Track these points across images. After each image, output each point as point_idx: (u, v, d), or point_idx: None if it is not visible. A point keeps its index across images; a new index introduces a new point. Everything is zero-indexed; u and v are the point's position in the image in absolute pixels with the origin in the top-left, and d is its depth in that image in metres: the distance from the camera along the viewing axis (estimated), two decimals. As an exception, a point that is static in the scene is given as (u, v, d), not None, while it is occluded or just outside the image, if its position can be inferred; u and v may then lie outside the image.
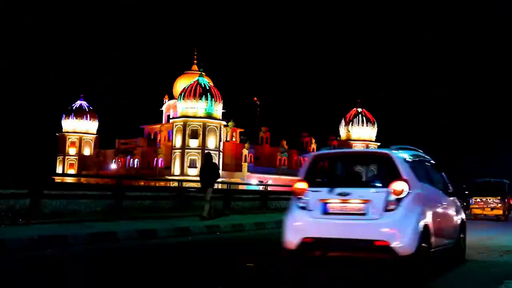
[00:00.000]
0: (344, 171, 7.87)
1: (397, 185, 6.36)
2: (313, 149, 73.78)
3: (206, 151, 16.48)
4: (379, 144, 77.25)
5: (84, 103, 76.01)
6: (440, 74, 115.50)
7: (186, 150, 59.86)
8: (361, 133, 76.27)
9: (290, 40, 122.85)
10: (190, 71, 73.05)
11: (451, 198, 8.44)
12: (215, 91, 61.60)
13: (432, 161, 8.37)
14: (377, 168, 8.05)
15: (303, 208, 6.65)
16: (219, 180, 63.13)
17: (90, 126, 75.55)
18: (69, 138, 74.27)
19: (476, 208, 22.30)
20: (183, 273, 7.63)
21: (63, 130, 74.92)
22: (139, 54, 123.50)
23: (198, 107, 60.23)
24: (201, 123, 60.02)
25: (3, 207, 11.92)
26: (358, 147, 76.21)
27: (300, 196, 6.73)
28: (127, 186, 17.95)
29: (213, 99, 60.66)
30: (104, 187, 17.26)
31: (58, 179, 56.51)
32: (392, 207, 6.25)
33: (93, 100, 79.09)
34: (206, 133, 59.92)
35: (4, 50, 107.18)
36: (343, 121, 77.85)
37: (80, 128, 74.78)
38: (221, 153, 61.65)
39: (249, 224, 14.50)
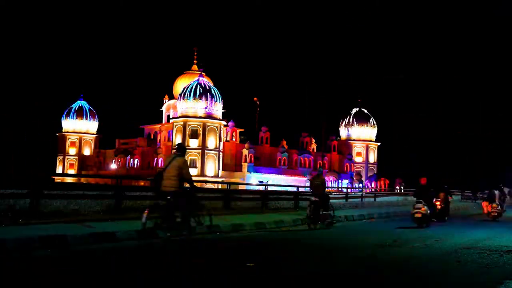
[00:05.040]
0: None
1: None
2: (313, 149, 73.78)
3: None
4: (379, 144, 77.23)
5: (84, 103, 76.00)
6: (440, 74, 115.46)
7: (186, 150, 59.86)
8: (361, 133, 76.25)
9: (289, 40, 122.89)
10: (190, 71, 73.05)
11: None
12: (215, 91, 61.64)
13: None
14: None
15: None
16: (219, 180, 63.14)
17: (90, 126, 75.54)
18: (69, 138, 74.26)
19: None
20: (183, 272, 7.64)
21: (63, 130, 74.91)
22: (139, 54, 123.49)
23: (198, 107, 60.25)
24: (201, 123, 60.05)
25: (3, 207, 11.91)
26: (358, 147, 76.21)
27: None
28: (127, 186, 17.87)
29: (213, 99, 60.68)
30: (104, 187, 17.20)
31: (58, 179, 56.48)
32: None
33: (93, 100, 79.14)
34: (206, 133, 59.95)
35: (4, 50, 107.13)
36: (343, 121, 77.83)
37: (80, 128, 74.77)
38: (221, 153, 61.67)
39: (249, 224, 14.49)
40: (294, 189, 28.09)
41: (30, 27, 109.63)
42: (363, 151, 76.12)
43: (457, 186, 52.27)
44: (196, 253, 9.74)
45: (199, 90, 60.57)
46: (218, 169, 60.44)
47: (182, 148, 10.82)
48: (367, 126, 76.42)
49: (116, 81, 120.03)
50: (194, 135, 60.09)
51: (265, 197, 21.45)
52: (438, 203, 19.94)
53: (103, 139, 76.50)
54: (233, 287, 6.80)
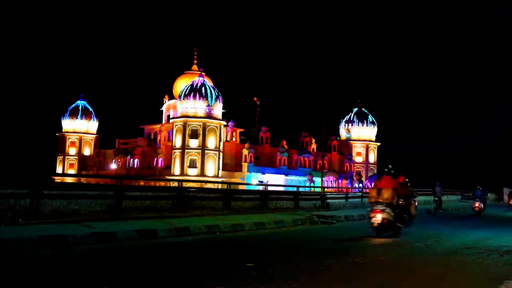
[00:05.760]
0: None
1: None
2: (313, 149, 73.78)
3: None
4: (379, 144, 77.23)
5: (84, 103, 75.99)
6: (440, 74, 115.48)
7: (186, 150, 59.81)
8: (361, 133, 76.23)
9: (289, 40, 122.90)
10: (190, 71, 72.99)
11: None
12: (215, 91, 61.63)
13: None
14: None
15: None
16: (219, 180, 62.94)
17: (90, 126, 75.49)
18: (69, 138, 74.22)
19: None
20: (182, 273, 7.64)
21: (63, 130, 74.87)
22: (139, 54, 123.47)
23: (198, 107, 60.21)
24: (201, 123, 60.01)
25: (3, 207, 11.90)
26: (358, 147, 76.19)
27: None
28: (127, 186, 17.85)
29: (213, 99, 60.67)
30: (104, 187, 17.18)
31: (58, 179, 56.50)
32: None
33: (93, 100, 79.07)
34: (206, 133, 59.91)
35: (4, 50, 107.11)
36: (343, 121, 77.82)
37: (80, 128, 74.73)
38: (221, 153, 61.65)
39: (249, 224, 14.49)
40: (294, 189, 28.06)
41: (30, 27, 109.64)
42: (363, 151, 76.11)
43: (456, 186, 52.34)
44: (195, 253, 9.72)
45: (199, 90, 60.55)
46: (218, 169, 60.41)
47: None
48: (367, 126, 76.41)
49: (116, 81, 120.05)
50: (194, 135, 60.05)
51: (265, 197, 21.44)
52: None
53: (103, 139, 76.45)
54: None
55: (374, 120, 77.38)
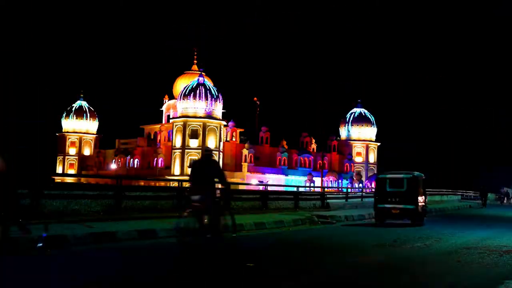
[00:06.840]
0: None
1: None
2: (313, 149, 73.76)
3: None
4: (379, 144, 77.21)
5: (84, 103, 75.99)
6: (440, 74, 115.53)
7: (186, 150, 59.86)
8: (361, 133, 76.22)
9: (290, 40, 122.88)
10: (190, 71, 73.01)
11: None
12: (215, 91, 61.62)
13: None
14: None
15: None
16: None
17: (90, 126, 75.52)
18: (69, 138, 74.24)
19: None
20: (181, 273, 7.64)
21: (63, 130, 74.90)
22: (139, 54, 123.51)
23: (198, 107, 60.23)
24: (201, 123, 60.03)
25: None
26: (358, 147, 76.16)
27: None
28: (127, 186, 17.85)
29: (213, 99, 60.67)
30: (104, 187, 17.17)
31: (58, 179, 56.48)
32: None
33: (93, 100, 79.07)
34: (206, 133, 59.94)
35: (3, 49, 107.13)
36: (343, 121, 77.79)
37: (80, 128, 74.76)
38: (221, 153, 61.66)
39: (249, 224, 14.48)
40: (294, 189, 28.07)
41: (30, 27, 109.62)
42: (363, 151, 76.10)
43: (456, 186, 52.40)
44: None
45: (199, 90, 60.56)
46: (218, 169, 60.44)
47: None
48: (367, 126, 76.39)
49: (116, 81, 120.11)
50: (194, 135, 60.07)
51: (265, 197, 21.44)
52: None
53: (103, 139, 76.51)
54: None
55: (374, 120, 77.37)
